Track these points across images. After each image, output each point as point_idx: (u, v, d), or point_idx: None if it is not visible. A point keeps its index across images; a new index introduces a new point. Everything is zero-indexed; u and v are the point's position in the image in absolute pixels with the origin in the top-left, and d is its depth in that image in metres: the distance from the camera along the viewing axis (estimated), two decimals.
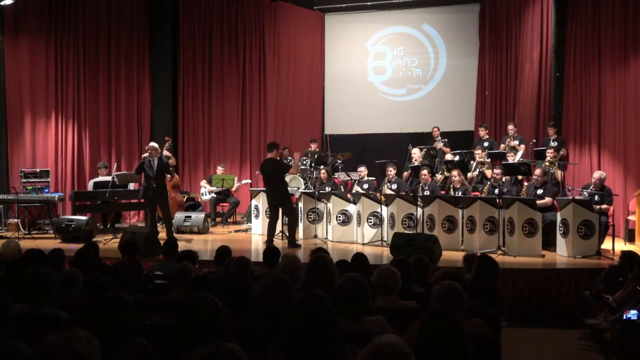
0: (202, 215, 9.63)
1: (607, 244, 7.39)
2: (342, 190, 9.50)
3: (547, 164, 8.59)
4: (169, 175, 10.14)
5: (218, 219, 10.58)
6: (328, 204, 8.76)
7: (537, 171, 8.05)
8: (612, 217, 7.96)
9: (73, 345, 1.86)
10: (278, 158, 8.01)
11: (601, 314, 5.40)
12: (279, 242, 7.90)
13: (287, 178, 8.53)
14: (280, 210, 8.12)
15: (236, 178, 10.73)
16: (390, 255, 6.93)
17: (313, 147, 11.23)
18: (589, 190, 7.50)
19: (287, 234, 8.09)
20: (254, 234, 9.42)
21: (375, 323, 2.95)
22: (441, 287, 3.10)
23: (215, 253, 5.19)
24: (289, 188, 8.36)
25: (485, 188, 8.27)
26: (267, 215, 8.52)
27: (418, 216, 8.07)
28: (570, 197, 7.31)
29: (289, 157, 10.34)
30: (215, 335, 2.34)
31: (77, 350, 1.85)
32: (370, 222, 8.37)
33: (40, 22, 10.59)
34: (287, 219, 8.05)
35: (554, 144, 9.23)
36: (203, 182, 10.90)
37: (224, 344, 1.95)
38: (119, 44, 11.22)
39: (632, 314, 4.50)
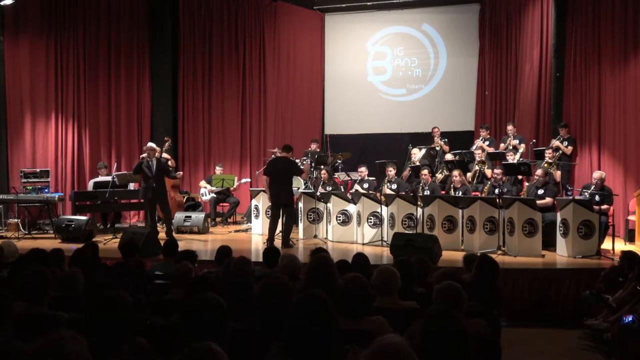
0: (202, 215, 9.62)
1: (607, 244, 7.39)
2: (342, 190, 9.50)
3: (545, 164, 8.59)
4: (180, 174, 10.20)
5: (218, 219, 10.58)
6: (328, 204, 8.76)
7: (539, 171, 8.04)
8: (612, 217, 7.97)
9: (59, 347, 1.86)
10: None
11: (601, 314, 5.41)
12: (279, 242, 7.89)
13: None
14: (281, 210, 8.08)
15: (236, 178, 10.74)
16: (390, 255, 6.92)
17: (313, 147, 11.22)
18: (589, 191, 7.49)
19: (283, 233, 8.03)
20: (254, 234, 9.42)
21: (376, 323, 2.94)
22: (441, 287, 3.10)
23: (216, 253, 5.20)
24: None
25: (486, 188, 8.27)
26: (268, 215, 8.50)
27: (418, 216, 8.07)
28: (571, 197, 7.32)
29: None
30: (216, 335, 2.34)
31: (64, 351, 1.85)
32: (370, 222, 8.37)
33: (40, 22, 10.58)
34: (285, 219, 8.04)
35: (564, 143, 9.34)
36: (202, 183, 10.90)
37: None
38: (119, 44, 11.22)
39: (629, 319, 4.49)
